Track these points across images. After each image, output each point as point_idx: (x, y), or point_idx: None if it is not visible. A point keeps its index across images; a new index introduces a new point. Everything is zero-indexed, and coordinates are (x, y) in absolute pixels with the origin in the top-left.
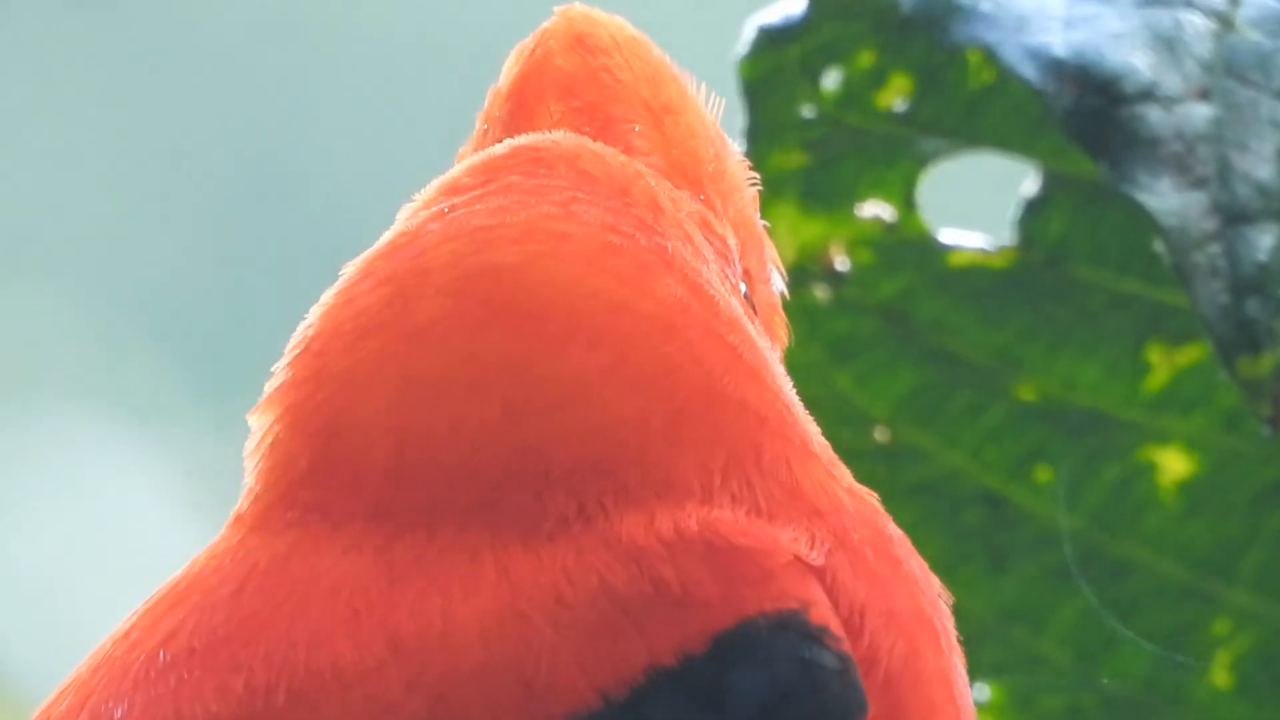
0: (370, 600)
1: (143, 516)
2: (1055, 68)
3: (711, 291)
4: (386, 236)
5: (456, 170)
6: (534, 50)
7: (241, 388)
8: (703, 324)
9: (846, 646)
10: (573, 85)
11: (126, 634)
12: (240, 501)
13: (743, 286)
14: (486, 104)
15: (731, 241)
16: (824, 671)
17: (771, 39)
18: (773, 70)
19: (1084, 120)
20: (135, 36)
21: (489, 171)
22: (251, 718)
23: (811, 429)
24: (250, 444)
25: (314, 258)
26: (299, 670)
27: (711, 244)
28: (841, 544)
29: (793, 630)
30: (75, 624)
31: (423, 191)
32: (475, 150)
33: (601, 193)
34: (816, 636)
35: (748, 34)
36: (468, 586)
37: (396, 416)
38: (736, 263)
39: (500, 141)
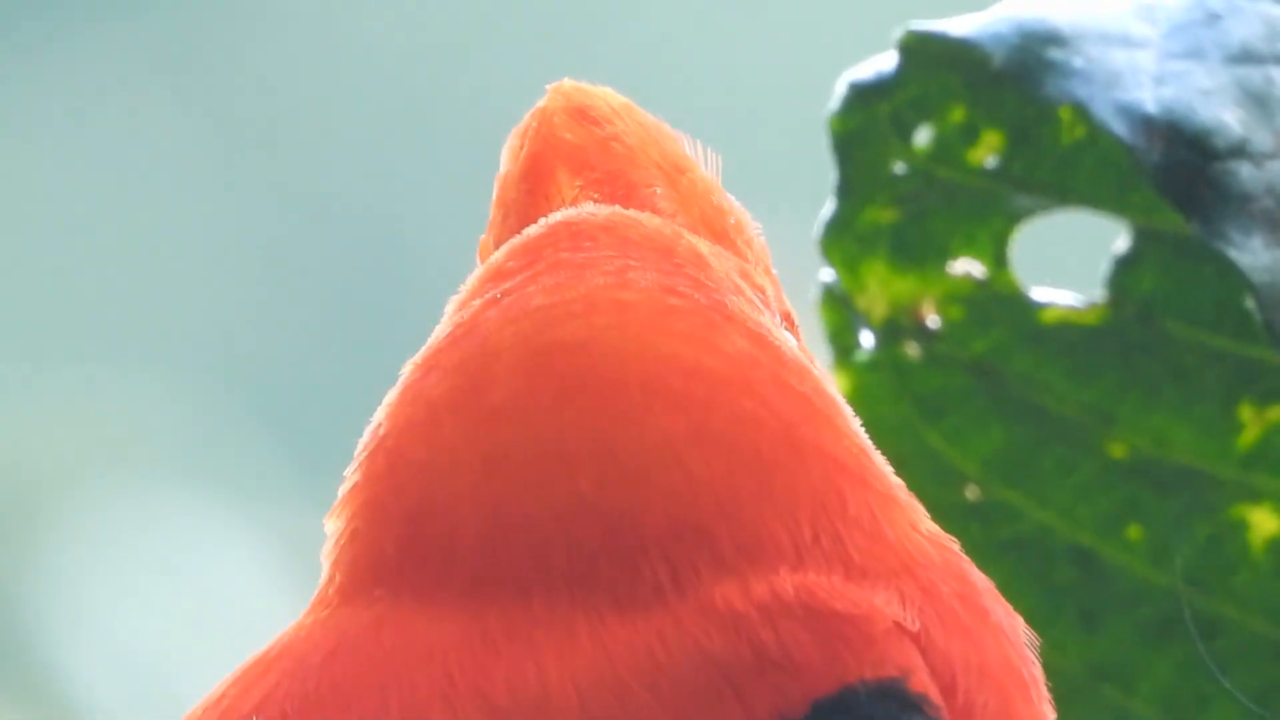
0: (465, 668)
1: (243, 590)
2: (1146, 124)
3: (774, 341)
4: (441, 330)
5: (497, 257)
6: (539, 129)
7: (340, 464)
8: (772, 375)
9: (944, 715)
10: (586, 157)
11: (219, 700)
12: (321, 589)
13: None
14: (497, 191)
15: (769, 289)
16: None
17: (863, 95)
18: (864, 126)
19: (1175, 176)
20: (241, 113)
21: (532, 252)
22: None
23: (885, 469)
24: (328, 545)
25: (415, 338)
26: None
27: (755, 293)
28: (931, 599)
29: (893, 699)
30: (179, 698)
31: (465, 284)
32: (494, 239)
33: (649, 257)
34: (917, 705)
35: (839, 90)
36: (563, 655)
37: (483, 498)
38: (776, 310)
39: (519, 225)
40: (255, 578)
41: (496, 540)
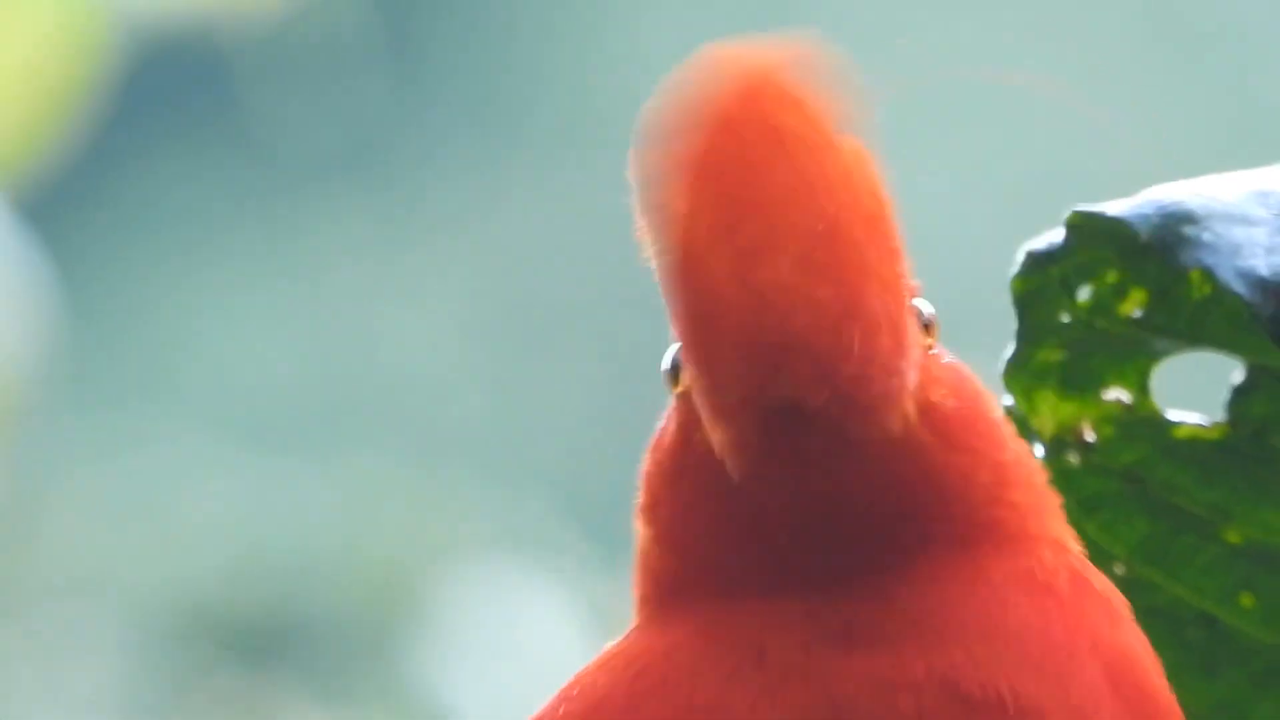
0: None
1: (560, 645)
2: (1260, 285)
3: None
4: None
5: None
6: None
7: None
8: None
9: None
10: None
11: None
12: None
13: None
14: None
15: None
16: None
17: (1037, 261)
18: (1039, 286)
19: None
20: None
21: None
22: None
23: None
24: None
25: None
26: None
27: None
28: None
29: None
30: None
31: None
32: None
33: None
34: None
35: (1019, 257)
36: None
37: None
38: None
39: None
40: (570, 636)
41: None
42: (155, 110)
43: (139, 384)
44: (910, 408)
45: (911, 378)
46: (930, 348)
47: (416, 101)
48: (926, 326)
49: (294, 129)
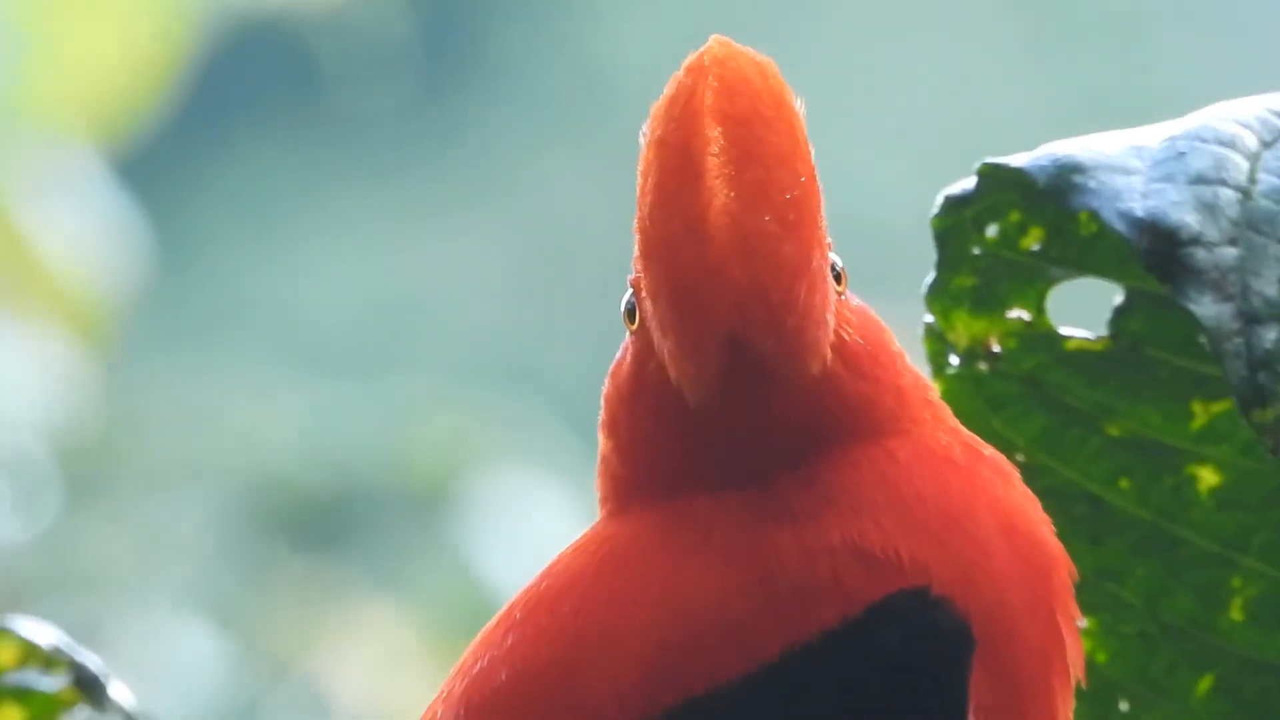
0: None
1: (562, 528)
2: (1137, 223)
3: None
4: None
5: None
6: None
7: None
8: None
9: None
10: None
11: (536, 583)
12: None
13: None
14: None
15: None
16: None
17: (953, 204)
18: (954, 225)
19: (1155, 258)
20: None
21: None
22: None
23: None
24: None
25: None
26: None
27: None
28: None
29: (918, 599)
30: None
31: None
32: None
33: None
34: (936, 604)
35: (938, 201)
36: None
37: None
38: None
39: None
40: (571, 519)
41: None
42: (237, 83)
43: (220, 317)
44: (828, 352)
45: (830, 326)
46: (841, 294)
47: (468, 82)
48: (838, 276)
49: (358, 102)
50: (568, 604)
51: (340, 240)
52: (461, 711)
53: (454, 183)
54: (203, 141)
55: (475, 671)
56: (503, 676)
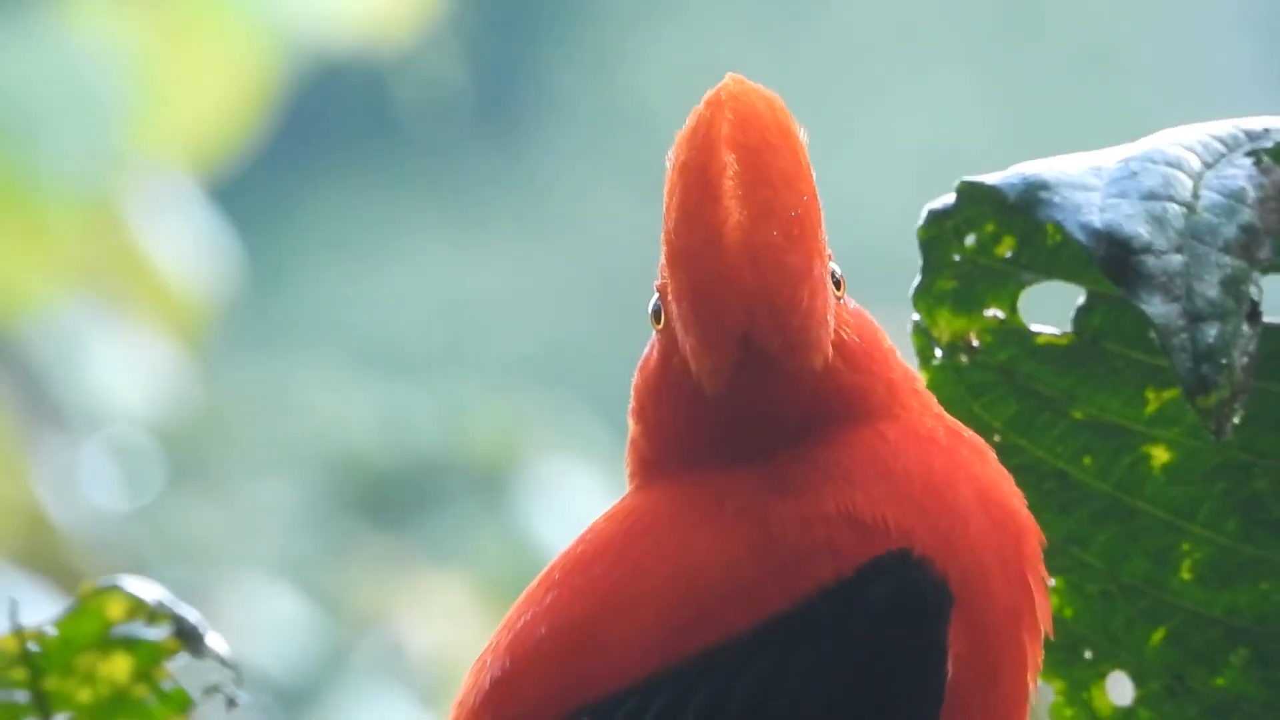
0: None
1: (593, 510)
2: (1095, 234)
3: None
4: None
5: None
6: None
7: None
8: None
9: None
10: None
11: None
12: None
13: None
14: None
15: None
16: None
17: (936, 217)
18: (937, 235)
19: (1111, 264)
20: None
21: None
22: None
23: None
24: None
25: None
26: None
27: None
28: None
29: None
30: None
31: None
32: None
33: None
34: (919, 564)
35: (922, 214)
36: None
37: None
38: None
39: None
40: (603, 502)
41: None
42: (319, 119)
43: (304, 323)
44: (829, 349)
45: (830, 326)
46: (840, 298)
47: (524, 121)
48: (838, 283)
49: (427, 137)
50: (599, 566)
51: (410, 258)
52: (507, 661)
53: (511, 209)
54: (289, 170)
55: (519, 626)
56: (543, 630)
